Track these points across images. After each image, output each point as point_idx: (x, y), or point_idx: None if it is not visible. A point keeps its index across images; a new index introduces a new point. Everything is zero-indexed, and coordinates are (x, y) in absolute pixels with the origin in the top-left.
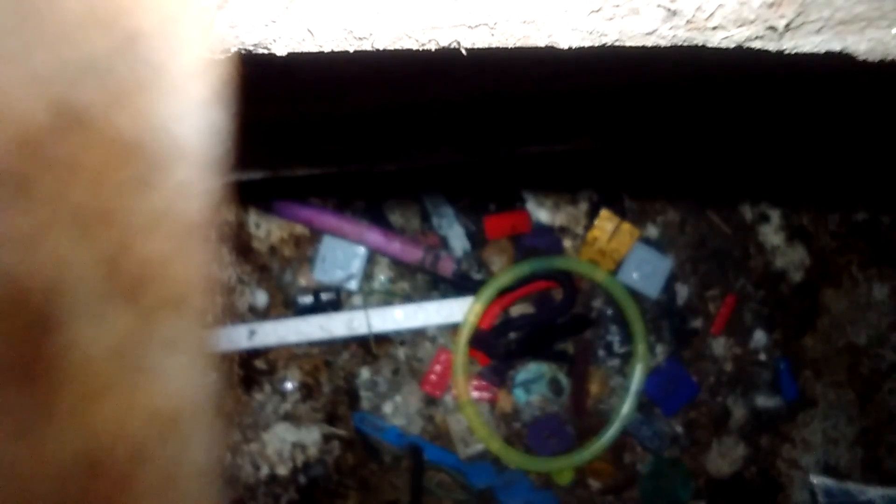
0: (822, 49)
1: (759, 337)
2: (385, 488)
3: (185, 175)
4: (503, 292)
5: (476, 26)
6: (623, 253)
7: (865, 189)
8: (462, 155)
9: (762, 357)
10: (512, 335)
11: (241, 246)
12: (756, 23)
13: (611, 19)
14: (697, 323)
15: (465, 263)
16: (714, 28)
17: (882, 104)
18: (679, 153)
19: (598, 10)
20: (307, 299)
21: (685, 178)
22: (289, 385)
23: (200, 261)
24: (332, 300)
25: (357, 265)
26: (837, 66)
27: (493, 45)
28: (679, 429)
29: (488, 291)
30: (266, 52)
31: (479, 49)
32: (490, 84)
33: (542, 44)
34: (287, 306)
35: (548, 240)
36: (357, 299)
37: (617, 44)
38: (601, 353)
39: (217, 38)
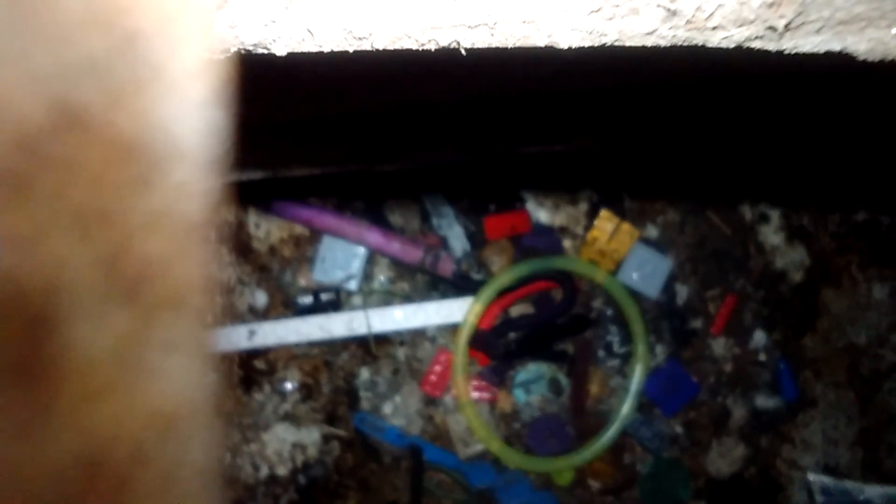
0: (821, 49)
1: (759, 337)
2: (385, 488)
3: (185, 175)
4: (503, 292)
5: (476, 26)
6: (623, 253)
7: (865, 189)
8: (462, 155)
9: (762, 357)
10: (512, 335)
11: (241, 246)
12: (756, 23)
13: (611, 19)
14: (697, 323)
15: (464, 264)
16: (714, 28)
17: (882, 104)
18: (679, 153)
19: (597, 10)
20: (307, 299)
21: (685, 178)
22: (288, 385)
23: (200, 261)
24: (332, 300)
25: (357, 265)
26: (837, 66)
27: (493, 45)
28: (679, 429)
29: (488, 292)
30: (266, 52)
31: (478, 49)
32: (490, 84)
33: (541, 44)
34: (287, 306)
35: (548, 240)
36: (357, 299)
37: (617, 44)
38: (601, 353)
39: (217, 38)
